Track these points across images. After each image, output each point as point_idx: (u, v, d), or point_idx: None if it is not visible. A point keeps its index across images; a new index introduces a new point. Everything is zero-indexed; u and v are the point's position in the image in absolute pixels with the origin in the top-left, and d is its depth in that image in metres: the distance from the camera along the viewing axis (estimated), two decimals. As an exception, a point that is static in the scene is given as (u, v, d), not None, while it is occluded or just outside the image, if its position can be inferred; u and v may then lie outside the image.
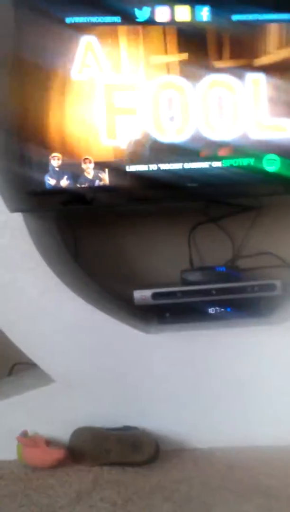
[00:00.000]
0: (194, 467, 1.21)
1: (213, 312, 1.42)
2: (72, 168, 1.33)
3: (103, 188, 1.33)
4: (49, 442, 1.27)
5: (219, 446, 1.29)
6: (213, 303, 1.42)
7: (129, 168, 1.34)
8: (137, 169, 1.34)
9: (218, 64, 1.35)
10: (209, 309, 1.42)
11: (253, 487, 1.09)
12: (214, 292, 1.38)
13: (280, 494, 1.06)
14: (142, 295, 1.38)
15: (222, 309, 1.42)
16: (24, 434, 1.28)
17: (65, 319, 1.32)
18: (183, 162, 1.35)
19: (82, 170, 1.33)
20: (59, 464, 1.23)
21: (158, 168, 1.35)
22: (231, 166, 1.37)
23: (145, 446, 1.23)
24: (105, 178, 1.33)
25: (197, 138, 1.35)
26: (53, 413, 1.33)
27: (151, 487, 1.12)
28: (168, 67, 1.35)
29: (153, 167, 1.35)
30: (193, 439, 1.31)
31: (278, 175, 1.38)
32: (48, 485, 1.15)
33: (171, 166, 1.35)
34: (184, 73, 1.34)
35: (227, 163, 1.36)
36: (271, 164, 1.37)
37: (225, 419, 1.30)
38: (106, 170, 1.33)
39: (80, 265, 1.63)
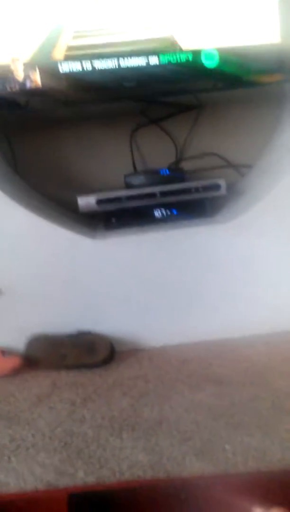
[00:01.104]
0: (149, 364, 1.26)
1: (159, 215, 1.42)
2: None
3: (35, 91, 1.26)
4: (5, 352, 1.28)
5: (172, 343, 1.34)
6: (158, 206, 1.41)
7: (62, 68, 1.26)
8: (71, 69, 1.27)
9: None
10: (155, 212, 1.41)
11: (206, 377, 1.15)
12: (158, 194, 1.37)
13: (231, 380, 1.13)
14: (86, 201, 1.35)
15: (168, 212, 1.42)
16: (-21, 347, 1.29)
17: (9, 230, 1.28)
18: (118, 57, 1.28)
19: (11, 72, 1.24)
20: (16, 372, 1.25)
21: (93, 67, 1.28)
22: (169, 62, 1.31)
23: (100, 348, 1.26)
24: (37, 79, 1.25)
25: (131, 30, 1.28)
26: (6, 323, 1.33)
27: (108, 385, 1.16)
28: None
29: (88, 65, 1.27)
30: (146, 338, 1.35)
31: (218, 70, 1.33)
32: (8, 392, 1.17)
33: (106, 64, 1.28)
34: None
35: (165, 59, 1.30)
36: (210, 59, 1.32)
37: (176, 317, 1.34)
38: (37, 70, 1.25)
39: (20, 175, 1.57)
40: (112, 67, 1.28)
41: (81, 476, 0.84)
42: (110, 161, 1.62)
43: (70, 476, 0.85)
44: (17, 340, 1.30)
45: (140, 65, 1.30)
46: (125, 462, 0.87)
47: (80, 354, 1.25)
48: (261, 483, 0.76)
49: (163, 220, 1.42)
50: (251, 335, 1.33)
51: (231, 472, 0.81)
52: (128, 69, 1.29)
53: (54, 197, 1.56)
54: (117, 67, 1.29)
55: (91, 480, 0.83)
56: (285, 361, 1.18)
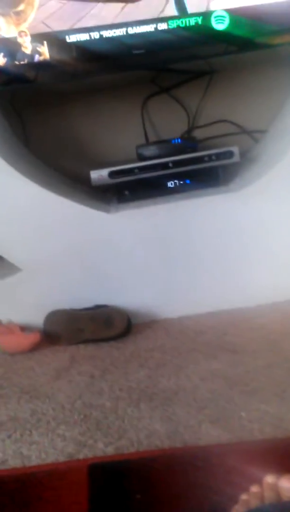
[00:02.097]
0: (165, 336, 1.26)
1: (172, 186, 1.40)
2: (7, 44, 1.22)
3: (44, 64, 1.24)
4: (24, 328, 1.30)
5: (188, 314, 1.35)
6: (171, 177, 1.39)
7: (69, 38, 1.24)
8: (78, 39, 1.24)
9: None
10: (168, 183, 1.40)
11: (221, 347, 1.16)
12: (171, 165, 1.35)
13: (245, 349, 1.13)
14: (99, 175, 1.34)
15: (181, 182, 1.40)
16: (-2, 323, 1.31)
17: (23, 206, 1.28)
18: (126, 27, 1.25)
19: (19, 45, 1.22)
20: (35, 347, 1.27)
21: (101, 36, 1.25)
22: (178, 27, 1.27)
23: (117, 321, 1.27)
24: (44, 52, 1.23)
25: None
26: (24, 300, 1.34)
27: (126, 357, 1.18)
28: None
29: (95, 35, 1.25)
30: (162, 310, 1.36)
31: (228, 33, 1.29)
32: (28, 367, 1.19)
33: (114, 32, 1.25)
34: None
35: (173, 24, 1.27)
36: (220, 22, 1.29)
37: (192, 288, 1.34)
38: (45, 42, 1.23)
39: (31, 150, 1.56)
40: (120, 35, 1.26)
41: (101, 447, 0.86)
42: (122, 132, 1.61)
43: (90, 448, 0.86)
44: (35, 316, 1.32)
45: (148, 31, 1.27)
46: (143, 432, 0.88)
47: (98, 328, 1.26)
48: (276, 450, 0.77)
49: (177, 190, 1.40)
50: (266, 304, 1.32)
51: (247, 439, 0.82)
52: (137, 36, 1.27)
53: (66, 171, 1.56)
54: (125, 34, 1.26)
55: (110, 451, 0.85)
56: (301, 328, 1.18)
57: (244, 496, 0.62)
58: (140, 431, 0.88)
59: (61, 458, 0.85)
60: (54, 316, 1.31)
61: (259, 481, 0.63)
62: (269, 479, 0.60)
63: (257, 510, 0.57)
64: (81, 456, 0.84)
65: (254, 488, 0.62)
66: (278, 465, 0.63)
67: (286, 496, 0.56)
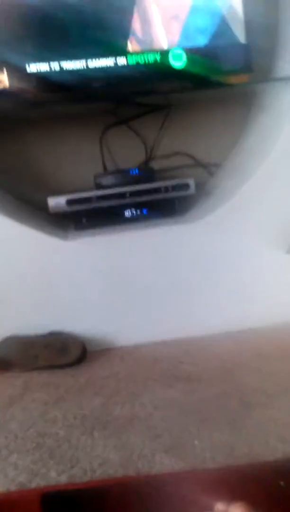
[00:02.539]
0: (120, 364, 1.27)
1: (129, 215, 1.43)
2: None
3: (3, 92, 1.25)
4: (-24, 355, 1.28)
5: (143, 342, 1.36)
6: (128, 206, 1.42)
7: (29, 68, 1.26)
8: (39, 69, 1.27)
9: None
10: (125, 212, 1.42)
11: (176, 375, 1.17)
12: (128, 194, 1.38)
13: (201, 377, 1.14)
14: (56, 202, 1.35)
15: (138, 212, 1.43)
16: None
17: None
18: (86, 58, 1.28)
19: (-22, 73, 1.24)
20: (-12, 374, 1.25)
21: (61, 68, 1.28)
22: (137, 63, 1.32)
23: (72, 348, 1.27)
24: (4, 80, 1.25)
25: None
26: (-23, 327, 1.33)
27: (80, 385, 1.17)
28: None
29: (56, 66, 1.27)
30: (118, 338, 1.36)
31: (186, 71, 1.35)
32: (-20, 395, 1.17)
33: (74, 65, 1.28)
34: None
35: (133, 59, 1.31)
36: (178, 60, 1.34)
37: (147, 317, 1.36)
38: (4, 70, 1.24)
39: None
40: (80, 68, 1.29)
41: (54, 476, 0.85)
42: (81, 161, 1.62)
43: (42, 476, 0.85)
44: (-12, 342, 1.30)
45: (108, 65, 1.31)
46: (96, 460, 0.88)
47: (53, 355, 1.26)
48: (226, 479, 0.78)
49: (134, 219, 1.43)
50: (221, 332, 1.35)
51: (199, 468, 0.83)
52: (96, 69, 1.30)
53: (24, 198, 1.56)
54: (85, 67, 1.29)
55: (63, 479, 0.84)
56: (254, 357, 1.21)
57: (197, 524, 0.64)
58: (94, 460, 0.88)
59: (13, 487, 0.83)
60: (8, 342, 1.30)
61: (211, 509, 0.64)
62: (220, 506, 0.62)
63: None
64: (33, 485, 0.83)
65: (206, 515, 0.63)
66: (229, 492, 0.64)
67: (236, 523, 0.58)
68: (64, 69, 1.28)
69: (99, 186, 1.44)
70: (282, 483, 0.73)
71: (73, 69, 1.28)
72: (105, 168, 1.62)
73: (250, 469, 0.80)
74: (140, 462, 0.86)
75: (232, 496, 0.61)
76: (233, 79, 1.41)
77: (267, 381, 1.09)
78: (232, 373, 1.15)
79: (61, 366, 1.26)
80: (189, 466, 0.83)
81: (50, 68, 1.27)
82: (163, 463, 0.85)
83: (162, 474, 0.82)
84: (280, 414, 0.96)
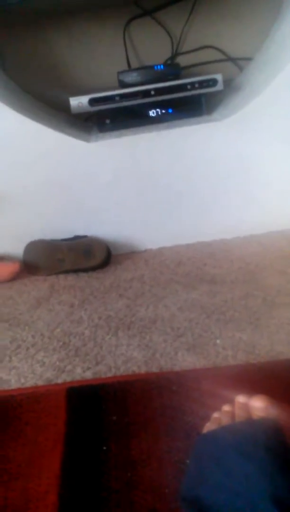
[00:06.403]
0: (144, 267, 1.27)
1: (154, 115, 1.36)
2: None
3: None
4: (3, 258, 1.30)
5: (167, 245, 1.35)
6: (153, 105, 1.35)
7: None
8: None
9: None
10: (150, 112, 1.36)
11: (200, 277, 1.17)
12: (153, 92, 1.31)
13: (224, 279, 1.14)
14: (78, 102, 1.30)
15: (163, 111, 1.36)
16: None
17: (0, 133, 1.24)
18: None
19: None
20: (14, 277, 1.27)
21: None
22: None
23: (97, 251, 1.27)
24: None
25: None
26: (3, 230, 1.34)
27: (105, 287, 1.18)
28: None
29: None
30: (142, 241, 1.36)
31: None
32: (7, 296, 1.20)
33: None
34: None
35: None
36: None
37: (172, 219, 1.34)
38: None
39: (9, 76, 1.49)
40: None
41: (79, 372, 0.88)
42: (103, 57, 1.54)
43: (68, 373, 0.88)
44: (14, 246, 1.32)
45: None
46: (120, 358, 0.90)
47: (78, 258, 1.26)
48: (247, 375, 0.79)
49: (158, 119, 1.37)
50: (245, 236, 1.33)
51: (221, 365, 0.84)
52: None
53: (46, 99, 1.50)
54: None
55: (88, 376, 0.87)
56: (277, 259, 1.19)
57: (216, 414, 0.65)
58: (118, 358, 0.90)
59: (40, 383, 0.86)
60: (34, 247, 1.31)
61: (231, 402, 0.65)
62: (241, 399, 0.62)
63: (228, 427, 0.60)
64: (59, 381, 0.86)
65: (226, 407, 0.64)
66: (249, 388, 0.65)
67: (256, 415, 0.58)
68: None
69: (122, 84, 1.37)
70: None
71: None
72: (129, 64, 1.54)
73: (271, 366, 0.81)
74: (162, 360, 0.88)
75: (253, 391, 0.62)
76: None
77: (291, 282, 1.09)
78: (256, 274, 1.14)
79: (86, 269, 1.27)
80: (211, 363, 0.85)
81: None
82: (185, 361, 0.86)
83: (183, 371, 0.84)
84: (303, 314, 0.96)
